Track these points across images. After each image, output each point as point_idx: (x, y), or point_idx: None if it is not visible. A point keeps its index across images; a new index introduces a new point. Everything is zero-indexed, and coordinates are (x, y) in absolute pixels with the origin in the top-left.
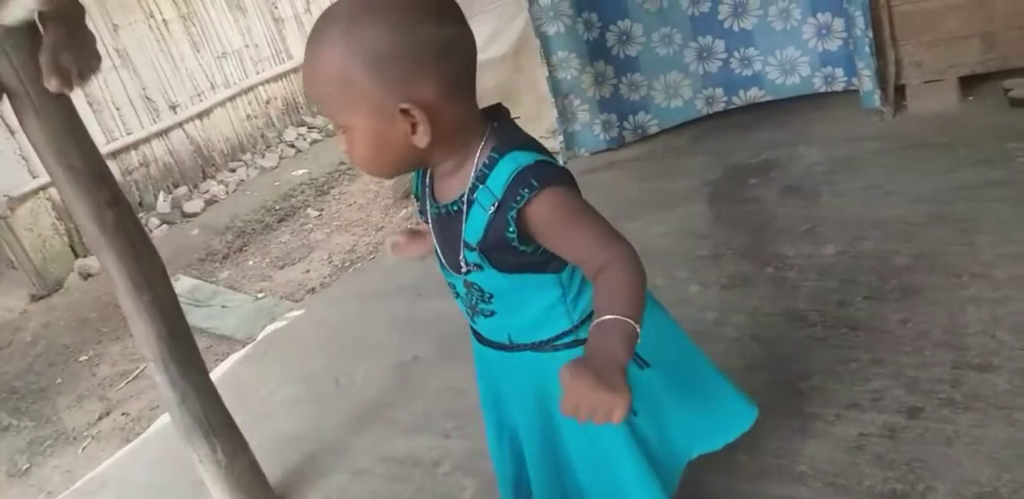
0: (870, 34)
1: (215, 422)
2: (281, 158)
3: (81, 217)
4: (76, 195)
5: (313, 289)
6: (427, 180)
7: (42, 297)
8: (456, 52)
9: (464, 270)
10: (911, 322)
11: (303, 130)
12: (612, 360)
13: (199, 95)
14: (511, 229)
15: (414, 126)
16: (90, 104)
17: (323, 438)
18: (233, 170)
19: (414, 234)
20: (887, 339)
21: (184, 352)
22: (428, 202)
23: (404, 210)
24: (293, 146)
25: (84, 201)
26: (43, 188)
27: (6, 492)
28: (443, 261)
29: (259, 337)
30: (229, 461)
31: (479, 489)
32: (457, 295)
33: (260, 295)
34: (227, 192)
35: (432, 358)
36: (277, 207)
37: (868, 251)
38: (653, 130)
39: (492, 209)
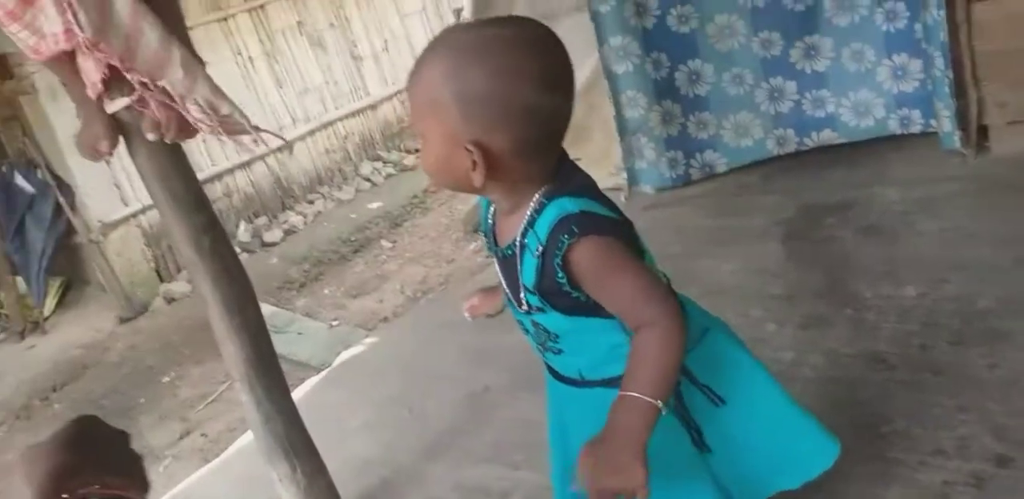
0: (950, 74)
1: (296, 443)
2: (357, 191)
3: (180, 241)
4: (176, 220)
5: (386, 318)
6: (491, 218)
7: (129, 319)
8: (544, 119)
9: (527, 311)
10: (998, 368)
11: (378, 164)
12: (629, 440)
13: (281, 129)
14: (560, 275)
15: (474, 163)
16: None
17: (396, 464)
18: (311, 202)
19: (486, 293)
20: (973, 385)
21: (270, 374)
22: (492, 240)
23: (474, 243)
24: (369, 180)
25: (183, 226)
26: (134, 215)
27: None
28: (510, 299)
29: (334, 364)
30: (308, 482)
31: None
32: (527, 331)
33: (335, 323)
34: (305, 223)
35: (503, 389)
36: (352, 238)
37: (950, 294)
38: (721, 169)
39: (538, 254)
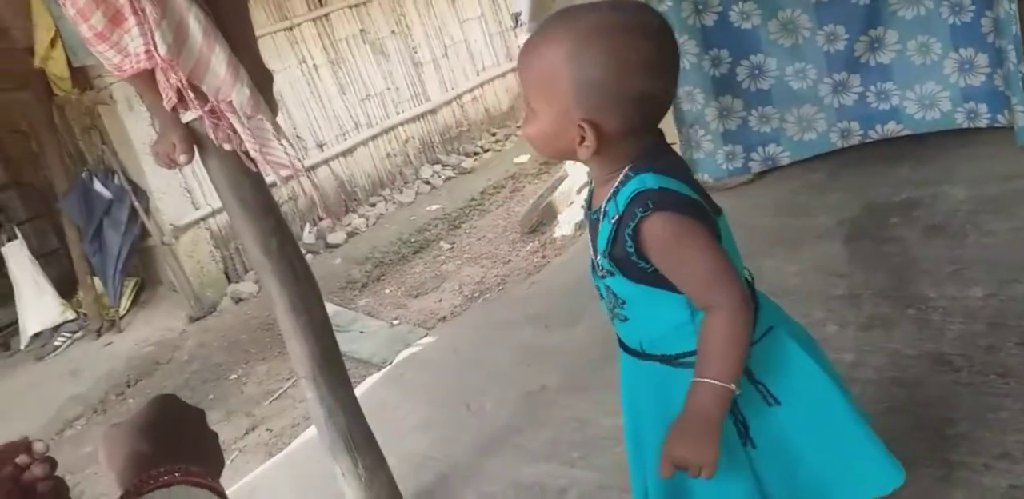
0: (1023, 69)
1: (358, 438)
2: (417, 194)
3: (249, 242)
4: (246, 223)
5: (445, 318)
6: (591, 188)
7: (198, 319)
8: (654, 103)
9: (600, 274)
10: None
11: (438, 168)
12: (705, 421)
13: (344, 134)
14: (629, 244)
15: (582, 138)
16: None
17: (454, 460)
18: (373, 204)
19: None
20: None
21: (334, 371)
22: (587, 208)
23: (530, 244)
24: (428, 183)
25: (252, 228)
26: (203, 219)
27: None
28: (593, 264)
29: (394, 361)
30: (369, 476)
31: None
32: (602, 297)
33: (395, 322)
34: (367, 225)
35: (559, 388)
36: (413, 240)
37: (1020, 295)
38: (784, 161)
39: (614, 221)
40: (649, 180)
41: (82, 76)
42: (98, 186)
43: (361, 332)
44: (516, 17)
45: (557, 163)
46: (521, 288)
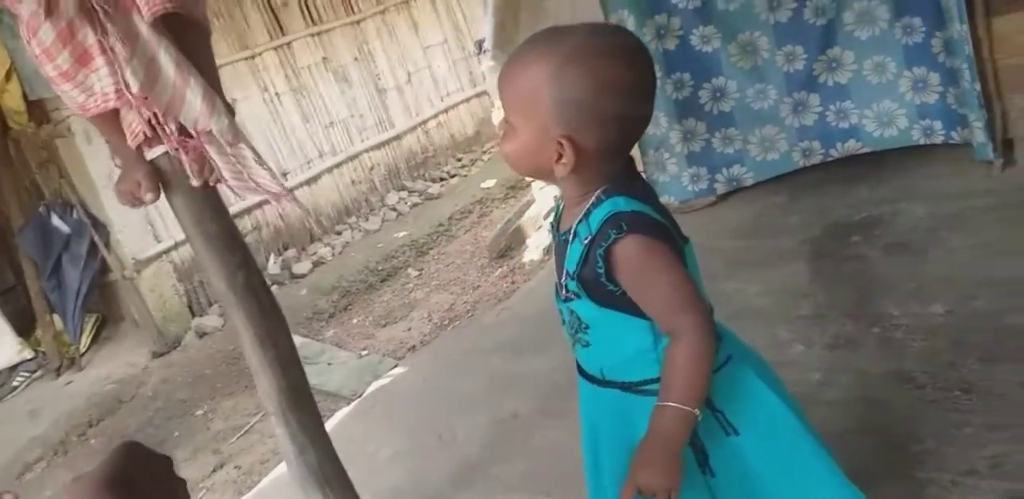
0: (978, 86)
1: (330, 474)
2: (384, 221)
3: (214, 277)
4: (211, 259)
5: (414, 347)
6: (560, 207)
7: (162, 354)
8: (632, 124)
9: (565, 297)
10: None
11: (404, 194)
12: (667, 445)
13: (308, 163)
14: (599, 265)
15: (560, 156)
16: None
17: (427, 494)
18: (339, 233)
19: None
20: (1005, 403)
21: (303, 406)
22: (554, 229)
23: (499, 269)
24: (395, 210)
25: (217, 263)
26: (166, 252)
27: None
28: (556, 288)
29: (364, 393)
30: None
31: None
32: (564, 322)
33: (364, 353)
34: (333, 254)
35: (532, 415)
36: (380, 268)
37: (980, 311)
38: (748, 182)
39: (586, 242)
40: (622, 203)
41: (38, 109)
42: (56, 220)
43: (329, 364)
44: (479, 44)
45: (524, 188)
46: (491, 315)
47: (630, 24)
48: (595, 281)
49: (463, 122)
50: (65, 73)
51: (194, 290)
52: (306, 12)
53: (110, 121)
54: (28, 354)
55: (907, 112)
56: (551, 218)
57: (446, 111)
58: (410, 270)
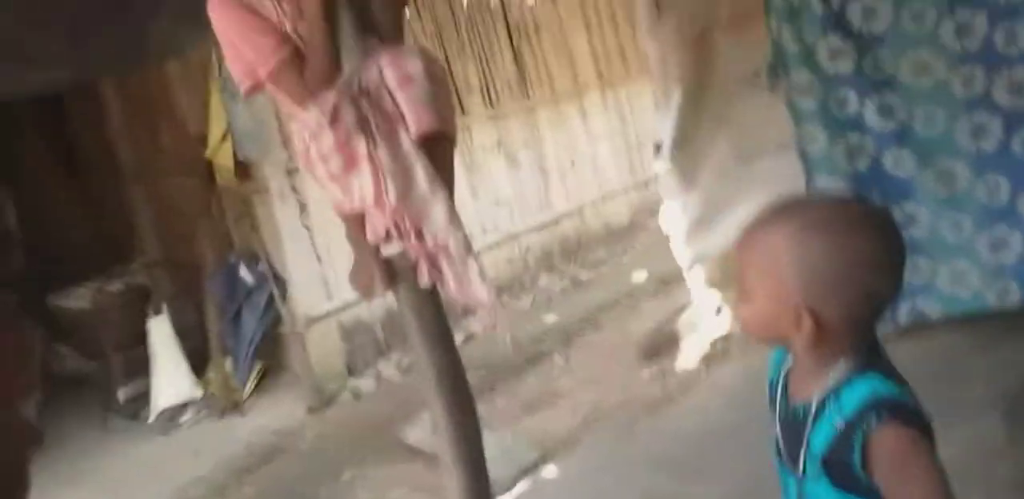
0: None
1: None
2: (533, 302)
3: (425, 372)
4: (425, 352)
5: (562, 441)
6: (785, 372)
7: (317, 409)
8: (877, 298)
9: (800, 475)
10: None
11: (555, 277)
12: None
13: (471, 236)
14: (856, 455)
15: (800, 326)
16: None
17: None
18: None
19: None
20: None
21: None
22: (780, 393)
23: (647, 371)
24: (545, 292)
25: (428, 359)
26: (335, 311)
27: None
28: (784, 456)
29: (515, 492)
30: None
31: None
32: (785, 492)
33: (510, 438)
34: (483, 330)
35: None
36: (526, 349)
37: None
38: (935, 316)
39: (840, 428)
40: (880, 386)
41: (243, 167)
42: (243, 271)
43: None
44: (658, 146)
45: (677, 283)
46: (645, 424)
47: (821, 139)
48: (844, 468)
49: (619, 211)
50: (334, 176)
51: (354, 351)
52: (487, 96)
53: (357, 218)
54: (199, 393)
55: None
56: (770, 375)
57: (603, 199)
58: (556, 356)
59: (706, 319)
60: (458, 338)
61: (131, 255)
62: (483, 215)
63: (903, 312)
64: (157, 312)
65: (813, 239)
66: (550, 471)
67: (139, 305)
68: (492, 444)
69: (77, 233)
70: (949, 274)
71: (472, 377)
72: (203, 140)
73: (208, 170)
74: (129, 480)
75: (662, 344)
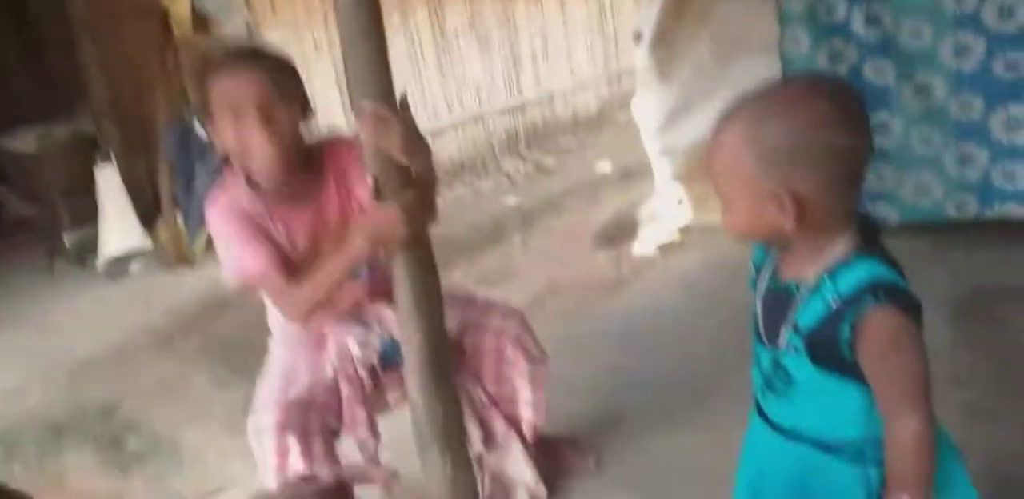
0: None
1: (452, 431)
2: (496, 185)
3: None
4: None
5: None
6: (776, 253)
7: None
8: (846, 158)
9: (780, 347)
10: None
11: (519, 162)
12: None
13: (435, 115)
14: (846, 333)
15: (784, 211)
16: None
17: None
18: (452, 188)
19: None
20: None
21: (441, 363)
22: (767, 273)
23: (605, 255)
24: (508, 176)
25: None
26: None
27: None
28: (760, 331)
29: None
30: (454, 475)
31: None
32: (758, 365)
33: None
34: (444, 206)
35: (642, 418)
36: (486, 229)
37: None
38: (893, 222)
39: (833, 305)
40: (883, 271)
41: (201, 24)
42: (198, 128)
43: None
44: (637, 35)
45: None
46: (598, 304)
47: (804, 43)
48: (829, 345)
49: (588, 102)
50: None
51: None
52: None
53: None
54: (149, 244)
55: None
56: (754, 257)
57: (574, 89)
58: (515, 237)
59: (667, 209)
60: None
61: (79, 103)
62: (449, 93)
63: None
64: (105, 160)
65: (765, 117)
66: None
67: (86, 153)
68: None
69: (19, 77)
70: (913, 184)
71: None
72: None
73: (164, 18)
74: (75, 325)
75: (621, 230)
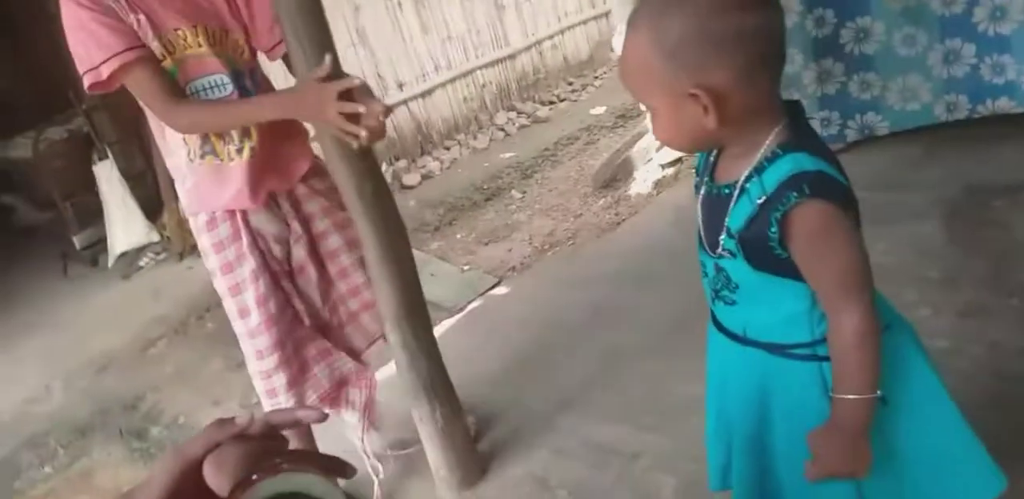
0: None
1: (438, 385)
2: (491, 140)
3: (343, 183)
4: (341, 163)
5: (514, 267)
6: (711, 157)
7: None
8: (755, 40)
9: (718, 253)
10: None
11: (513, 115)
12: (855, 432)
13: (424, 76)
14: (773, 230)
15: (705, 109)
16: None
17: (527, 413)
18: (448, 148)
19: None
20: None
21: (418, 316)
22: (705, 178)
23: (603, 199)
24: (503, 130)
25: (348, 171)
26: None
27: None
28: (702, 238)
29: (468, 308)
30: (446, 423)
31: (678, 489)
32: (705, 275)
33: (466, 267)
34: (441, 169)
35: (634, 349)
36: (485, 186)
37: None
38: (882, 132)
39: (759, 203)
40: (805, 162)
41: None
42: None
43: (432, 274)
44: None
45: (635, 118)
46: (594, 245)
47: None
48: (760, 244)
49: (578, 45)
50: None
51: None
52: None
53: None
54: (155, 237)
55: None
56: (694, 162)
57: (562, 32)
58: (514, 191)
59: (658, 146)
60: (415, 177)
61: (69, 102)
62: (435, 51)
63: (853, 129)
64: (102, 157)
65: (664, 13)
66: (500, 290)
67: (83, 152)
68: (449, 275)
69: (7, 80)
70: (899, 89)
71: (431, 215)
72: None
73: None
74: (92, 324)
75: (617, 173)
